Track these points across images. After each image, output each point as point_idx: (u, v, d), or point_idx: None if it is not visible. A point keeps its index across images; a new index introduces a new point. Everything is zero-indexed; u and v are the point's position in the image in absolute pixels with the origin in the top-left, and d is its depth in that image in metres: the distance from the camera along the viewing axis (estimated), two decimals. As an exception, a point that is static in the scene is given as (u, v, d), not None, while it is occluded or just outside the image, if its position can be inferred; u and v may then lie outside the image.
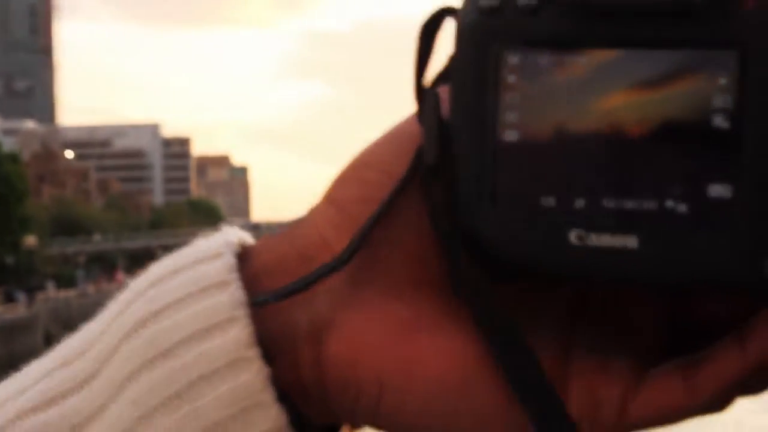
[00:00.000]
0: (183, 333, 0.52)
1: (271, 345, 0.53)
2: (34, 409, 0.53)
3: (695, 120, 0.49)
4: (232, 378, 0.51)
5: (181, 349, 0.52)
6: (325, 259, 0.53)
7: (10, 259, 46.95)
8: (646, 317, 0.54)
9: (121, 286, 0.56)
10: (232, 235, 0.55)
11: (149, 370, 0.52)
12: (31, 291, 44.04)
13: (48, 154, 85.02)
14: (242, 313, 0.52)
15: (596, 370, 0.53)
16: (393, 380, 0.53)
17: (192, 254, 0.54)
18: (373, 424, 0.54)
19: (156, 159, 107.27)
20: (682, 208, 0.49)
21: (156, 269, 0.55)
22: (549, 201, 0.51)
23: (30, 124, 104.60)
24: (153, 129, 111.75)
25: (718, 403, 0.52)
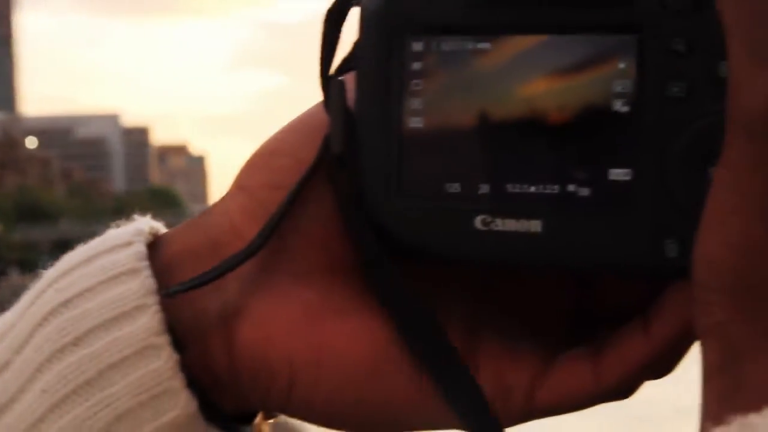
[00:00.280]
0: (93, 321, 0.51)
1: (182, 333, 0.52)
2: None
3: (597, 105, 0.48)
4: (142, 365, 0.51)
5: (91, 338, 0.51)
6: (235, 246, 0.53)
7: (-26, 246, 47.61)
8: (555, 303, 0.54)
9: None
10: (143, 225, 0.54)
11: (59, 360, 0.51)
12: (-6, 277, 44.83)
13: (9, 142, 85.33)
14: (152, 301, 0.51)
15: (505, 355, 0.53)
16: (304, 366, 0.52)
17: (103, 243, 0.54)
18: (285, 412, 0.54)
19: (116, 148, 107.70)
20: (585, 192, 0.49)
21: (67, 259, 0.54)
22: (454, 187, 0.51)
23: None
24: (113, 119, 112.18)
25: (625, 387, 0.52)
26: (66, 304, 0.52)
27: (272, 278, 0.53)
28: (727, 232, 0.42)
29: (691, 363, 0.48)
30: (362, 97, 0.52)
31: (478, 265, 0.53)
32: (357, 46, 0.53)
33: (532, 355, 0.52)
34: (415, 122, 0.51)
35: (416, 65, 0.51)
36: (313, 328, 0.52)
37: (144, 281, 0.51)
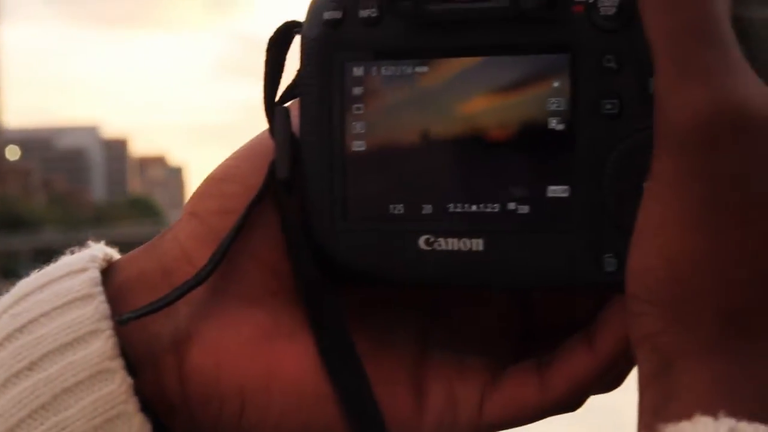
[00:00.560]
0: (48, 346, 0.51)
1: (135, 357, 0.52)
2: None
3: (534, 123, 0.49)
4: (96, 389, 0.51)
5: (46, 362, 0.51)
6: (186, 272, 0.53)
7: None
8: (504, 318, 0.54)
9: None
10: (97, 251, 0.54)
11: (14, 384, 0.51)
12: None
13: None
14: (106, 326, 0.51)
15: (454, 371, 0.53)
16: (254, 391, 0.52)
17: (57, 269, 0.54)
18: None
19: (96, 159, 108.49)
20: (524, 209, 0.49)
21: (22, 285, 0.54)
22: (398, 209, 0.51)
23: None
24: (93, 130, 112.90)
25: (572, 400, 0.52)
26: (21, 329, 0.52)
27: (223, 303, 0.53)
28: (657, 244, 0.43)
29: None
30: (306, 123, 0.52)
31: (422, 287, 0.53)
32: (299, 73, 0.53)
33: (481, 370, 0.52)
34: (357, 146, 0.51)
35: (357, 90, 0.51)
36: (263, 352, 0.52)
37: (98, 307, 0.51)
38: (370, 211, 0.51)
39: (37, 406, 0.51)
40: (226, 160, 0.55)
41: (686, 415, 0.40)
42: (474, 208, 0.50)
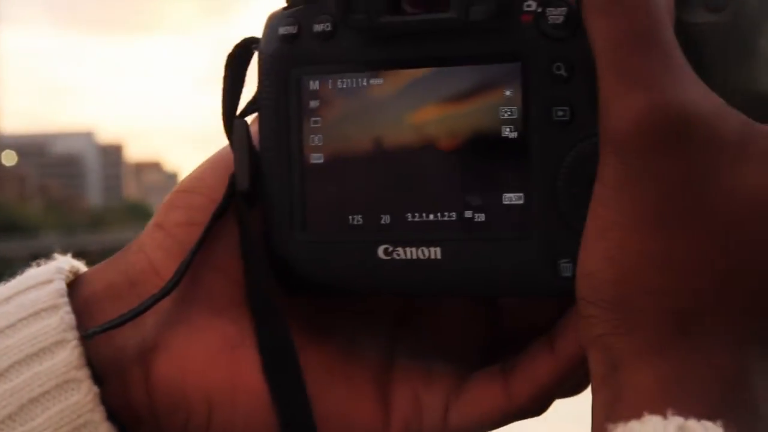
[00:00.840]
0: (14, 357, 0.51)
1: (102, 367, 0.52)
2: None
3: (488, 131, 0.49)
4: (62, 399, 0.51)
5: (12, 373, 0.51)
6: (153, 283, 0.53)
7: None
8: (469, 326, 0.55)
9: None
10: (63, 263, 0.55)
11: None
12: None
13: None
14: (71, 336, 0.51)
15: (419, 377, 0.53)
16: (220, 400, 0.52)
17: (23, 281, 0.54)
18: None
19: (92, 164, 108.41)
20: (480, 217, 0.49)
21: None
22: (357, 219, 0.51)
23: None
24: (88, 136, 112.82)
25: (536, 405, 0.52)
26: None
27: (189, 313, 0.53)
28: (603, 247, 0.43)
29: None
30: (264, 136, 0.53)
31: (383, 296, 0.54)
32: (258, 88, 0.53)
33: (446, 376, 0.53)
34: (315, 158, 0.52)
35: (313, 103, 0.52)
36: (228, 361, 0.53)
37: (64, 317, 0.51)
38: (330, 222, 0.52)
39: (3, 416, 0.51)
40: (192, 172, 0.55)
41: (635, 414, 0.41)
42: (431, 217, 0.50)
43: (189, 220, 0.53)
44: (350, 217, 0.51)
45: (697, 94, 0.43)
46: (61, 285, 0.53)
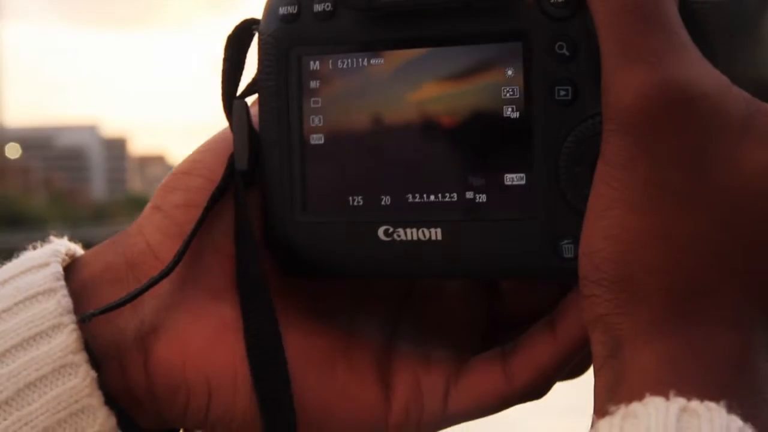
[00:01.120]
0: (10, 341, 0.51)
1: (100, 351, 0.51)
2: None
3: (489, 112, 0.49)
4: (59, 383, 0.50)
5: (9, 357, 0.51)
6: (152, 265, 0.52)
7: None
8: (470, 311, 0.55)
9: None
10: (60, 246, 0.54)
11: None
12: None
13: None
14: (68, 320, 0.51)
15: (419, 362, 0.53)
16: (221, 383, 0.52)
17: (19, 265, 0.53)
18: (204, 428, 0.54)
19: (96, 157, 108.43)
20: (482, 198, 0.49)
21: None
22: (357, 200, 0.51)
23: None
24: (93, 129, 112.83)
25: (537, 388, 0.52)
26: None
27: (189, 295, 0.53)
28: (605, 225, 0.43)
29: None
30: (264, 117, 0.52)
31: (383, 279, 0.53)
32: (258, 68, 0.53)
33: (446, 361, 0.52)
34: (316, 139, 0.51)
35: (313, 83, 0.51)
36: (228, 344, 0.52)
37: (60, 300, 0.51)
38: (330, 203, 0.51)
39: (0, 401, 0.50)
40: (191, 153, 0.54)
41: (637, 396, 0.40)
42: (432, 198, 0.50)
43: (187, 201, 0.53)
44: (350, 198, 0.51)
45: (701, 71, 0.43)
46: (57, 268, 0.52)
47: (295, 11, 0.51)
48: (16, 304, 0.51)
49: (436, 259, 0.50)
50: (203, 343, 0.52)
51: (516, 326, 0.53)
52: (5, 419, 0.50)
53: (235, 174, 0.52)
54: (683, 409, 0.39)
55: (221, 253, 0.53)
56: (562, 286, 0.51)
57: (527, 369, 0.51)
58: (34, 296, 0.51)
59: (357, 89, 0.51)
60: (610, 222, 0.43)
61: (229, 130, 0.54)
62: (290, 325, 0.53)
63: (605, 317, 0.43)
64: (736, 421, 0.39)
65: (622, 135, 0.43)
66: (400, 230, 0.50)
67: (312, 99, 0.51)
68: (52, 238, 0.55)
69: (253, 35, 0.53)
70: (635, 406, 0.40)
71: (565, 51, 0.47)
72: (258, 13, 0.53)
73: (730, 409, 0.39)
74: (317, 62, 0.51)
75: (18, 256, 0.54)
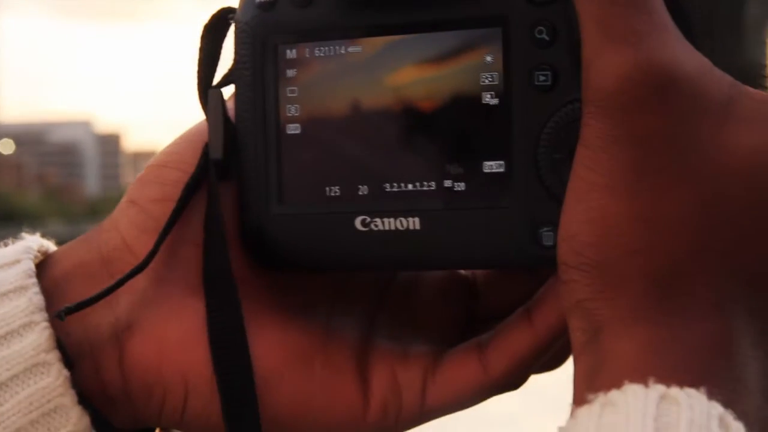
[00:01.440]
0: None
1: (73, 349, 0.50)
2: None
3: (468, 99, 0.48)
4: (31, 383, 0.49)
5: None
6: (126, 261, 0.51)
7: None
8: (447, 305, 0.54)
9: None
10: (32, 243, 0.53)
11: None
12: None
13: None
14: (40, 318, 0.50)
15: (396, 357, 0.52)
16: (198, 380, 0.51)
17: None
18: (180, 428, 0.53)
19: (90, 153, 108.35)
20: (461, 186, 0.48)
21: None
22: (334, 191, 0.50)
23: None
24: (86, 125, 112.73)
25: (513, 378, 0.51)
26: None
27: (165, 291, 0.52)
28: (584, 209, 0.42)
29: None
30: (240, 107, 0.51)
31: (361, 271, 0.53)
32: (234, 57, 0.52)
33: (424, 355, 0.52)
34: (292, 128, 0.50)
35: (290, 72, 0.50)
36: (204, 340, 0.51)
37: (32, 298, 0.50)
38: (306, 194, 0.50)
39: None
40: (167, 146, 0.54)
41: (616, 383, 0.39)
42: (410, 186, 0.49)
43: (163, 195, 0.52)
44: (327, 188, 0.50)
45: (683, 53, 0.42)
46: (28, 265, 0.51)
47: None
48: None
49: (415, 249, 0.49)
50: (180, 340, 0.51)
51: (495, 320, 0.52)
52: None
53: (209, 163, 0.51)
54: (663, 397, 0.38)
55: (199, 247, 0.52)
56: (541, 278, 0.51)
57: (504, 358, 0.51)
58: (4, 294, 0.50)
59: (334, 78, 0.50)
60: (589, 206, 0.42)
61: (205, 123, 0.53)
62: (265, 320, 0.52)
63: (584, 303, 0.42)
64: (717, 408, 0.38)
65: (602, 117, 0.42)
66: (378, 220, 0.49)
67: (288, 88, 0.51)
68: (24, 235, 0.54)
69: (230, 24, 0.53)
70: (614, 394, 0.39)
71: (544, 36, 0.47)
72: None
73: (711, 396, 0.39)
74: (294, 50, 0.51)
75: None
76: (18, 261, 0.51)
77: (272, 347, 0.51)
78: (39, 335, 0.49)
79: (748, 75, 0.44)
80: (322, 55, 0.50)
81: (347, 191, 0.50)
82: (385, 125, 0.49)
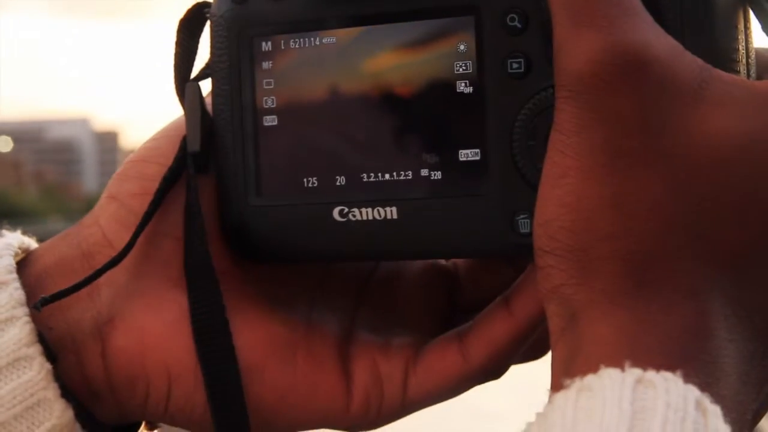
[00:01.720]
0: None
1: (55, 343, 0.50)
2: None
3: (443, 88, 0.48)
4: (14, 377, 0.49)
5: None
6: (107, 255, 0.51)
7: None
8: (428, 297, 0.54)
9: None
10: (12, 239, 0.53)
11: None
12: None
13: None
14: (21, 312, 0.50)
15: (377, 349, 0.52)
16: (181, 372, 0.51)
17: None
18: (164, 421, 0.53)
19: (88, 151, 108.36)
20: (437, 175, 0.48)
21: None
22: (312, 182, 0.50)
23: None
24: (84, 122, 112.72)
25: (493, 367, 0.51)
26: None
27: (146, 284, 0.52)
28: (560, 194, 0.42)
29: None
30: (217, 100, 0.52)
31: (340, 262, 0.53)
32: (210, 51, 0.52)
33: (405, 347, 0.52)
34: (269, 120, 0.51)
35: (266, 64, 0.51)
36: (188, 333, 0.51)
37: (13, 293, 0.50)
38: (284, 185, 0.51)
39: None
40: (147, 141, 0.54)
41: (593, 368, 0.39)
42: (387, 176, 0.49)
43: (143, 189, 0.52)
44: (305, 179, 0.50)
45: (653, 36, 0.42)
46: (8, 261, 0.51)
47: None
48: None
49: (393, 239, 0.49)
50: (162, 332, 0.51)
51: (478, 311, 0.53)
52: None
53: (186, 156, 0.52)
54: (639, 380, 0.38)
55: (178, 240, 0.52)
56: (521, 268, 0.51)
57: (483, 347, 0.51)
58: None
59: (310, 68, 0.50)
60: (564, 190, 0.42)
61: (182, 119, 0.53)
62: (247, 313, 0.52)
63: (560, 288, 0.42)
64: (694, 391, 0.38)
65: (575, 101, 0.42)
66: (356, 210, 0.49)
67: (265, 80, 0.51)
68: (4, 231, 0.54)
69: (206, 19, 0.53)
70: (590, 379, 0.39)
71: (516, 23, 0.47)
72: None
73: (687, 379, 0.38)
74: (269, 42, 0.51)
75: None
76: None
77: (254, 339, 0.52)
78: (20, 329, 0.49)
79: (718, 58, 0.44)
80: (297, 46, 0.50)
81: (325, 182, 0.50)
82: (361, 115, 0.49)
